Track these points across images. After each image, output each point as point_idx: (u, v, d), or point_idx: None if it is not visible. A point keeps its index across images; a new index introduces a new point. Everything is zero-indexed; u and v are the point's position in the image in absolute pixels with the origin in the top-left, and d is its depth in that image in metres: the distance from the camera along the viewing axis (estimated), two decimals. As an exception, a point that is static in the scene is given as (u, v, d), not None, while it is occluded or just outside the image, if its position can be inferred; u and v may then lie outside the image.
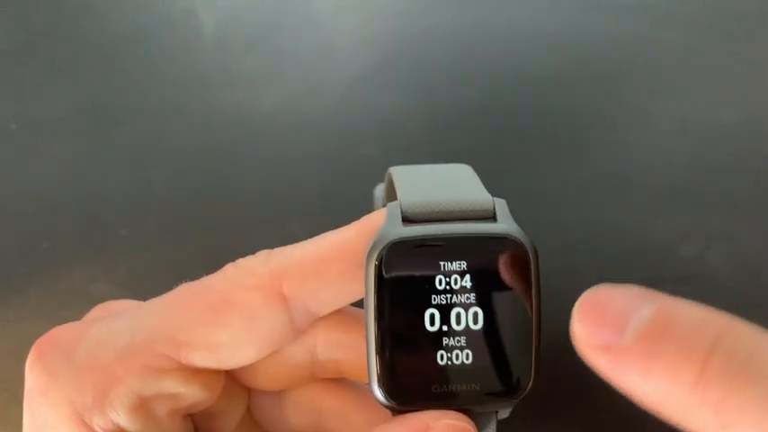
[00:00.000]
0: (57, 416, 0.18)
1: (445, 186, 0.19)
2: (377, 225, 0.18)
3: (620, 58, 0.35)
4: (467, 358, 0.17)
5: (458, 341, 0.17)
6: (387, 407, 0.18)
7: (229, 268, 0.19)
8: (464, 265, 0.17)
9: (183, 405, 0.19)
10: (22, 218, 0.34)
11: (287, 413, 0.21)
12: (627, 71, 0.35)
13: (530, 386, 0.18)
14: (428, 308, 0.17)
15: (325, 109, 0.35)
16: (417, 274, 0.17)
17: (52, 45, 0.36)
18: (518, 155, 0.34)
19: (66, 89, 0.35)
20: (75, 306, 0.32)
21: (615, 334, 0.13)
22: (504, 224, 0.18)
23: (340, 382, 0.21)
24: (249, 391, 0.22)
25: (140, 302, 0.20)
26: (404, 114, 0.35)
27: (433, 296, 0.17)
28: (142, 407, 0.18)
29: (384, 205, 0.19)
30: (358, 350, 0.20)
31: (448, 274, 0.17)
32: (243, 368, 0.20)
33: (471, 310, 0.17)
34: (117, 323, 0.19)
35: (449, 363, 0.17)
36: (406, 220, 0.18)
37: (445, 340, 0.17)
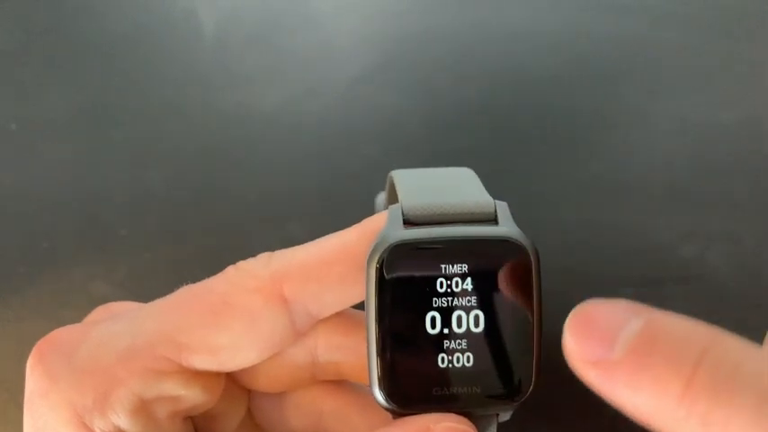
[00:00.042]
0: (57, 418, 0.18)
1: (446, 189, 0.19)
2: (378, 228, 0.18)
3: (620, 58, 0.35)
4: (468, 361, 0.17)
5: (459, 344, 0.17)
6: (387, 409, 0.18)
7: (230, 270, 0.19)
8: (465, 267, 0.17)
9: (183, 407, 0.19)
10: (22, 218, 0.34)
11: (287, 415, 0.21)
12: (627, 71, 0.35)
13: (531, 389, 0.18)
14: (429, 310, 0.17)
15: (326, 109, 0.35)
16: (418, 276, 0.17)
17: (52, 45, 0.36)
18: (518, 155, 0.34)
19: (66, 89, 0.35)
20: (76, 306, 0.32)
21: (605, 348, 0.13)
22: (506, 227, 0.18)
23: (341, 384, 0.21)
24: (250, 393, 0.22)
25: (141, 304, 0.20)
26: (404, 114, 0.35)
27: (435, 299, 0.17)
28: (143, 409, 0.18)
29: (385, 211, 0.19)
30: (359, 352, 0.20)
31: (449, 277, 0.17)
32: (243, 370, 0.20)
33: (472, 313, 0.17)
34: (118, 325, 0.19)
35: (450, 365, 0.17)
36: (408, 222, 0.18)
37: (446, 343, 0.17)
